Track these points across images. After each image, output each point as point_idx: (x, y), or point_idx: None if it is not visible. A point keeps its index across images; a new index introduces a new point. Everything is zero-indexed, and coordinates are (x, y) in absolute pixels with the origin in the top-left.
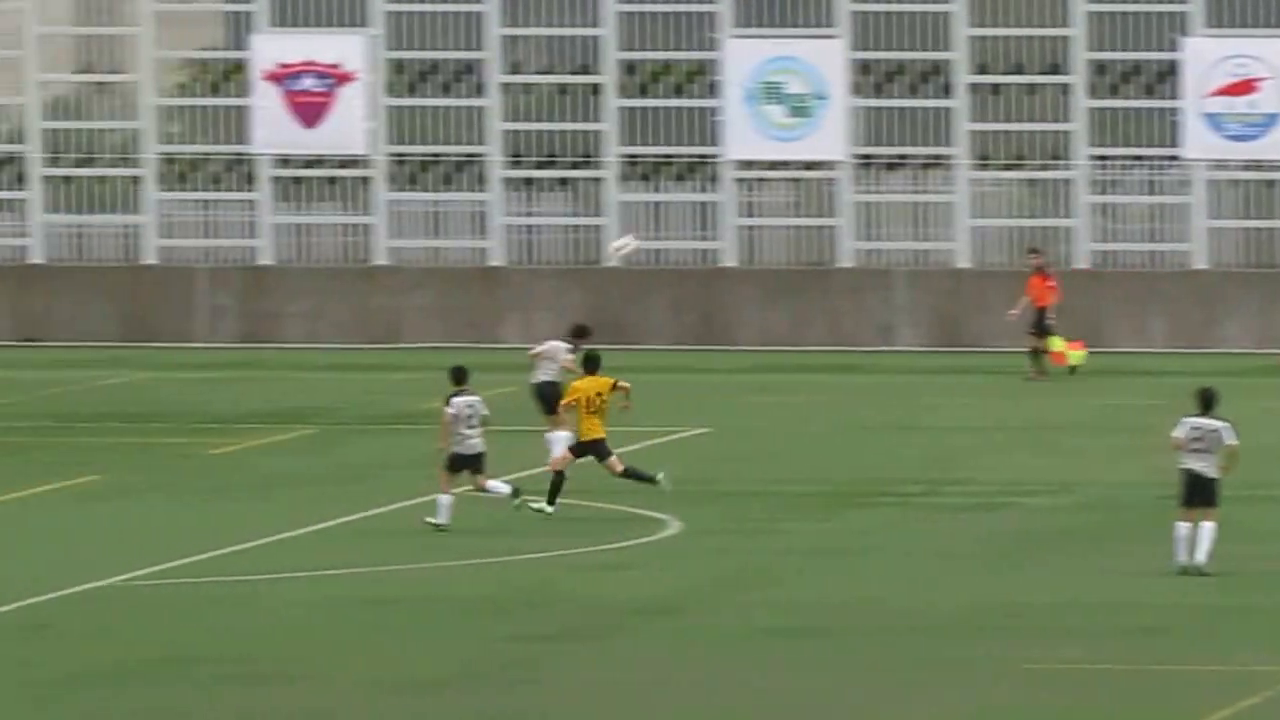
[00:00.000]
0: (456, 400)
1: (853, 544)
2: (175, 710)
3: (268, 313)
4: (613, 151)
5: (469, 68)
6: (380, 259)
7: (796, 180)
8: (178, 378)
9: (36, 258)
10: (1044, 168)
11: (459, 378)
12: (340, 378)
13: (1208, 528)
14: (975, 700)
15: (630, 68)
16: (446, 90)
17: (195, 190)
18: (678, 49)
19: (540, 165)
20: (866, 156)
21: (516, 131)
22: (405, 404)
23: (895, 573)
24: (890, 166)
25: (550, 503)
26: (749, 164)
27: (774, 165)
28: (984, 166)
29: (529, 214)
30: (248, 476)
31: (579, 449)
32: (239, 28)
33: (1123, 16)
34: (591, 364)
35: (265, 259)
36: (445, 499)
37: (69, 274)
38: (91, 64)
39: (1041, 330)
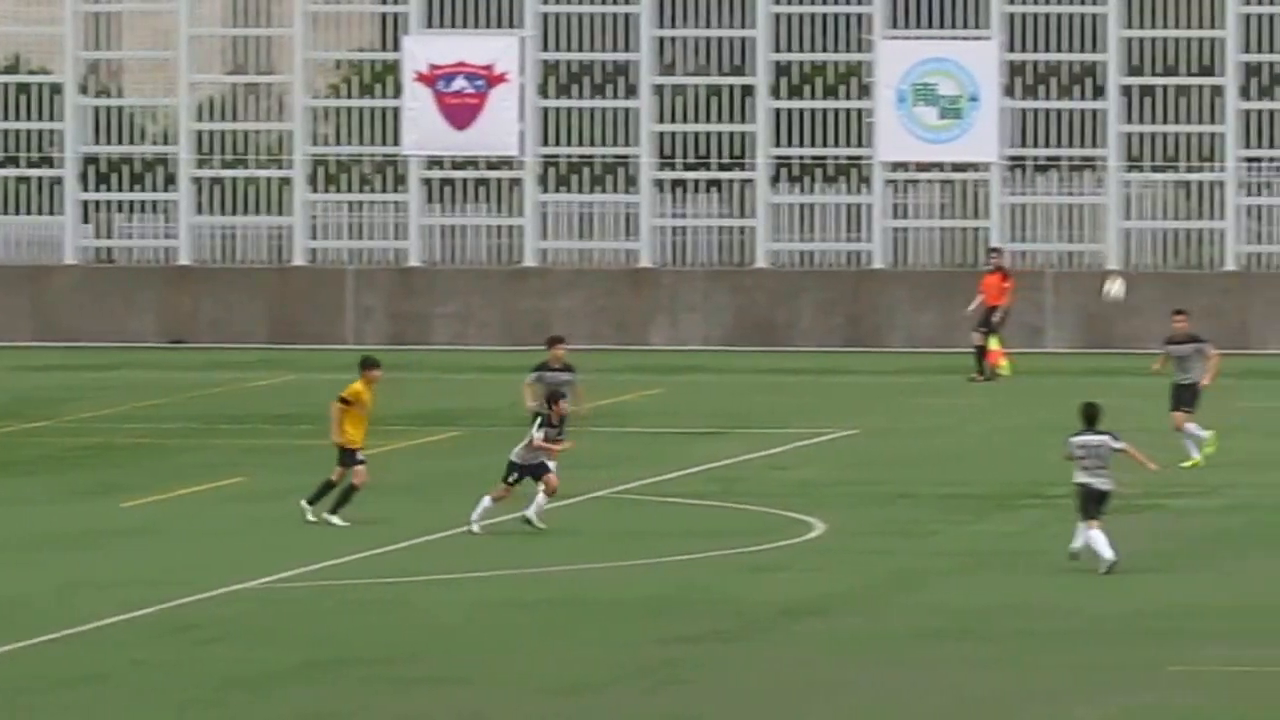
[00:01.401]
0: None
1: (999, 547)
2: (325, 713)
3: (416, 314)
4: (763, 153)
5: (621, 69)
6: (530, 260)
7: (947, 182)
8: (325, 379)
9: (185, 259)
10: (1195, 169)
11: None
12: (489, 379)
13: (1095, 534)
14: (1120, 702)
15: (782, 69)
16: (598, 91)
17: (345, 191)
18: (830, 50)
19: (691, 167)
20: (1017, 158)
21: (667, 133)
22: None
23: (1041, 576)
24: (1041, 168)
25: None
26: (900, 166)
27: (924, 167)
28: (1135, 168)
29: (679, 215)
30: (396, 478)
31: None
32: (391, 29)
33: (1275, 19)
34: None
35: (414, 260)
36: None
37: (217, 275)
38: (243, 65)
39: (988, 328)
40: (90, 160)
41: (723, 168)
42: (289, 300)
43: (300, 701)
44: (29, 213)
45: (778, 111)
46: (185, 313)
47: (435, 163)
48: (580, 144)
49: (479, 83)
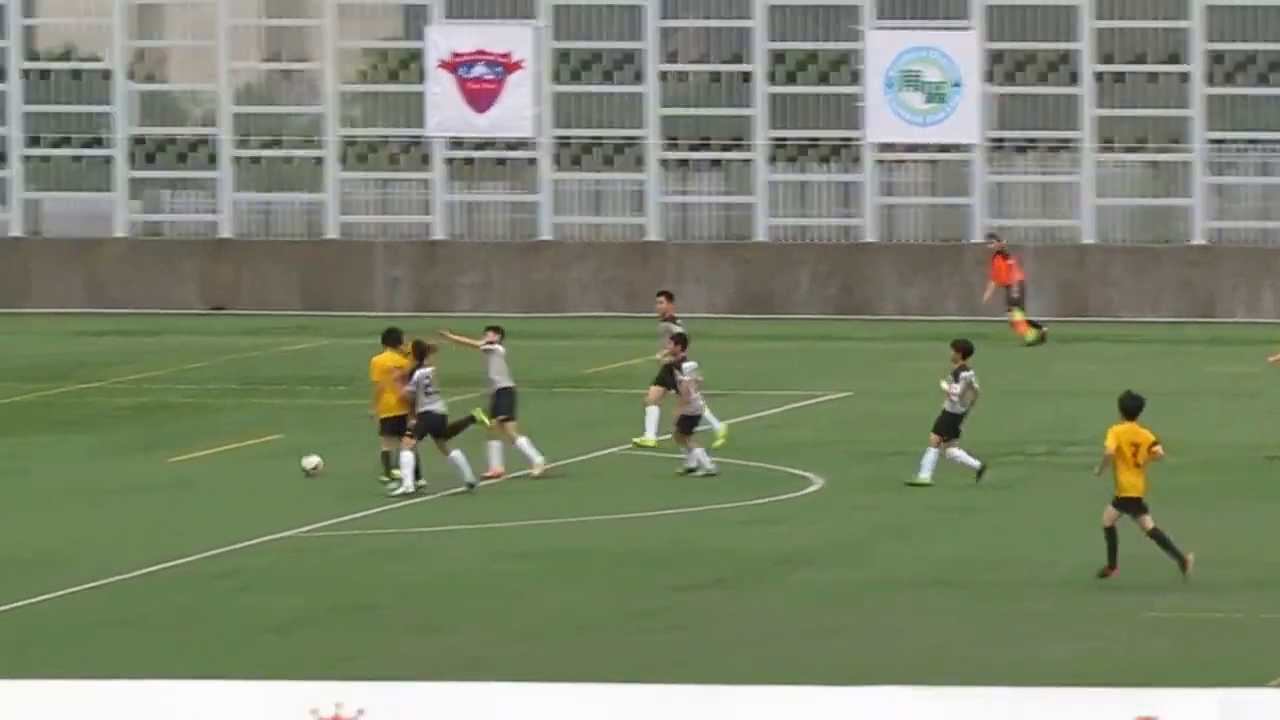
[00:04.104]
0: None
1: (983, 501)
2: (348, 655)
3: (439, 284)
4: (762, 135)
5: (629, 57)
6: (545, 234)
7: (933, 162)
8: (356, 344)
9: (226, 233)
10: (1164, 150)
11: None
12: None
13: (457, 455)
14: (1098, 646)
15: (778, 57)
16: (608, 78)
17: (373, 170)
18: (822, 39)
19: (694, 148)
20: (998, 140)
21: (672, 116)
22: (567, 369)
23: (1022, 528)
24: (1020, 149)
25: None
26: (888, 147)
27: (912, 148)
28: (1108, 149)
29: (683, 193)
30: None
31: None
32: (415, 19)
33: (1238, 10)
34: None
35: (438, 234)
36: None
37: (256, 248)
38: (278, 53)
39: (1009, 303)
40: (138, 141)
41: (724, 148)
42: (322, 271)
43: (325, 644)
44: (81, 190)
45: (774, 96)
46: (226, 282)
47: (457, 144)
48: (591, 126)
49: (497, 69)
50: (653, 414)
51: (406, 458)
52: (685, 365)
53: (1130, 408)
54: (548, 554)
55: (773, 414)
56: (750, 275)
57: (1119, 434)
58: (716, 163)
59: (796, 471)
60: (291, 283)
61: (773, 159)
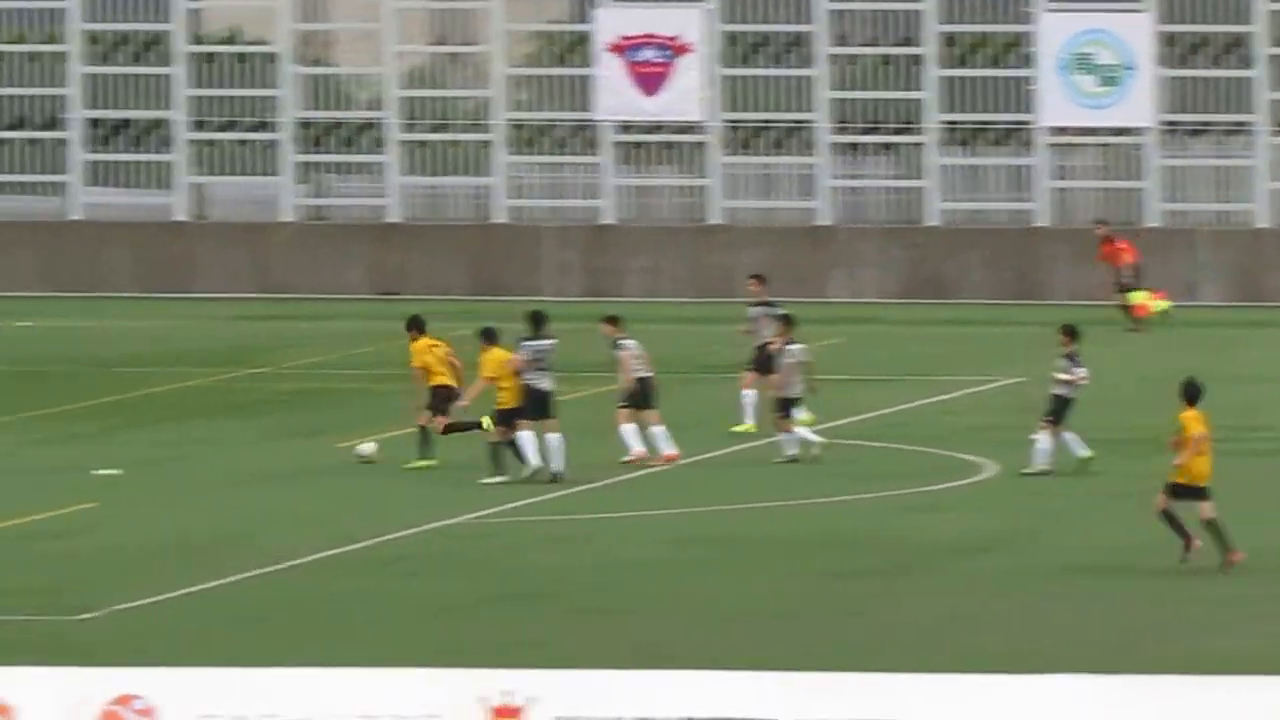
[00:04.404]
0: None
1: (1155, 487)
2: (519, 642)
3: (609, 268)
4: (933, 118)
5: (798, 39)
6: (715, 218)
7: (1106, 145)
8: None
9: (394, 217)
10: None
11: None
12: (677, 330)
13: (554, 438)
14: (1268, 632)
15: (950, 39)
16: (777, 61)
17: (542, 154)
18: (994, 22)
19: (865, 131)
20: (1171, 123)
21: (843, 100)
22: (739, 355)
23: (1195, 515)
24: (1194, 132)
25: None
26: (1061, 130)
27: (1084, 131)
28: None
29: (854, 176)
30: (588, 421)
31: None
32: (583, 2)
33: None
34: None
35: (607, 218)
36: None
37: (424, 232)
38: (445, 36)
39: (1122, 287)
40: (305, 125)
41: (895, 132)
42: (490, 255)
43: (496, 630)
44: (247, 174)
45: (946, 79)
46: (394, 267)
47: (625, 127)
48: (761, 110)
49: (666, 52)
50: (750, 398)
51: (525, 435)
52: (790, 348)
53: (1193, 394)
54: (717, 540)
55: (945, 399)
56: (922, 259)
57: (1198, 420)
58: (887, 146)
59: (969, 457)
60: (460, 267)
61: (944, 142)
